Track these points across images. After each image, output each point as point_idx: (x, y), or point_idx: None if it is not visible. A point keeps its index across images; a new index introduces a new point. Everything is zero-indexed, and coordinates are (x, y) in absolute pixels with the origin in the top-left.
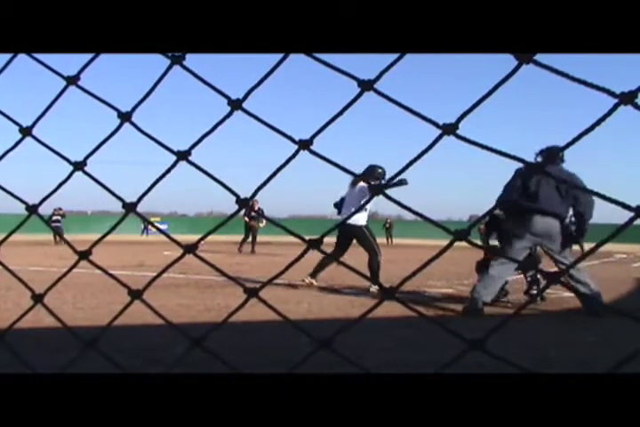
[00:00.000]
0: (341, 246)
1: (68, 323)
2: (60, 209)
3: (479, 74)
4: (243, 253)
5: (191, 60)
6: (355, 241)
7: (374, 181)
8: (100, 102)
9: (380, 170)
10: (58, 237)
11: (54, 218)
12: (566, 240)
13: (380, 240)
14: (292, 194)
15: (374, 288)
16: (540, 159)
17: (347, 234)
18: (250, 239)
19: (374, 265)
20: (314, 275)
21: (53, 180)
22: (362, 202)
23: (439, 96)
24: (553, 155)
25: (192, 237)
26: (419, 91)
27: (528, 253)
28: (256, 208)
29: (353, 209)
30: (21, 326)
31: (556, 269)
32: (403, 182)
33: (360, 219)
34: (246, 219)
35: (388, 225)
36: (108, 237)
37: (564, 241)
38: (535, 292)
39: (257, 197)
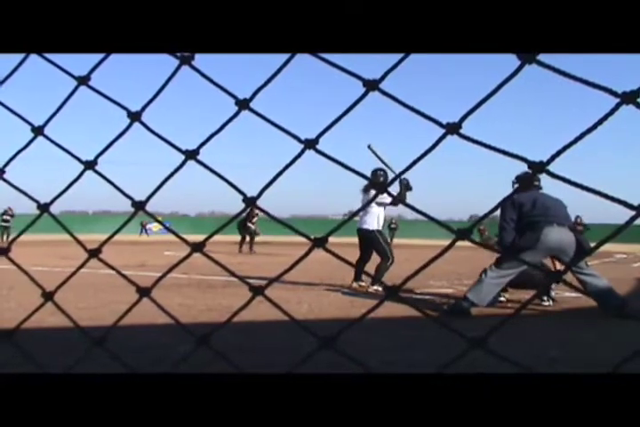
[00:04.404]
0: (364, 250)
1: (71, 323)
2: (10, 209)
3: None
4: (243, 254)
5: (200, 60)
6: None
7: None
8: (111, 102)
9: (380, 172)
10: (5, 237)
11: (4, 217)
12: (579, 251)
13: None
14: (294, 194)
15: (372, 289)
16: (517, 186)
17: (362, 238)
18: (247, 239)
19: (382, 268)
20: (375, 282)
21: (64, 179)
22: (373, 204)
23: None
24: (528, 181)
25: (193, 237)
26: (424, 90)
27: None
28: (254, 213)
29: (366, 215)
30: (25, 325)
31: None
32: (403, 183)
33: (373, 223)
34: (250, 224)
35: (394, 226)
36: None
37: (577, 251)
38: (545, 298)
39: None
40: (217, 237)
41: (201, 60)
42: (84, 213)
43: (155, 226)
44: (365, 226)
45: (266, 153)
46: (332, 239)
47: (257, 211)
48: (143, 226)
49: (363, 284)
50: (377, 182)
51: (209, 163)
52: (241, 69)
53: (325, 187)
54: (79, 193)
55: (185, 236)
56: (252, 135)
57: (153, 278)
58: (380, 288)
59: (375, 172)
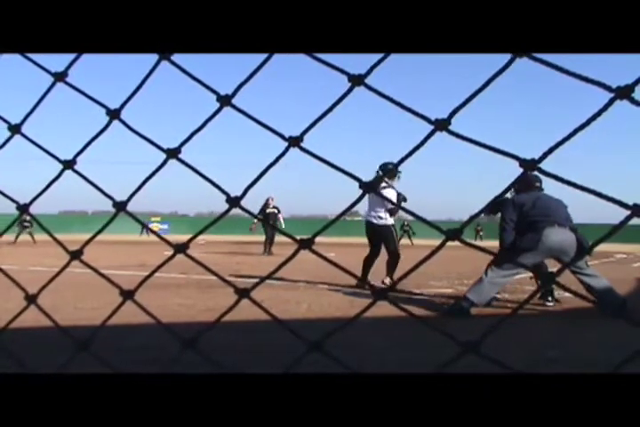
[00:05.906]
0: (376, 245)
1: (69, 323)
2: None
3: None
4: (265, 254)
5: (179, 55)
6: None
7: (391, 178)
8: (89, 99)
9: (390, 166)
10: (30, 238)
11: (24, 224)
12: (579, 251)
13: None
14: (294, 194)
15: (387, 280)
16: (517, 186)
17: (375, 233)
18: (270, 239)
19: (392, 264)
20: (391, 276)
21: (45, 178)
22: (378, 203)
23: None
24: (529, 182)
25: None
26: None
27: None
28: (271, 206)
29: (381, 210)
30: (22, 325)
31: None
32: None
33: (387, 218)
34: (256, 218)
35: (407, 228)
36: (109, 238)
37: (578, 252)
38: (550, 298)
39: (272, 195)
40: (218, 237)
41: (180, 56)
42: (84, 213)
43: (154, 226)
44: (377, 220)
45: (261, 152)
46: (341, 240)
47: (269, 210)
48: (145, 226)
49: (387, 280)
50: (387, 177)
51: (198, 163)
52: (225, 69)
53: (325, 187)
54: (78, 193)
55: (184, 236)
56: (253, 135)
57: (152, 278)
58: (389, 281)
59: (385, 165)
